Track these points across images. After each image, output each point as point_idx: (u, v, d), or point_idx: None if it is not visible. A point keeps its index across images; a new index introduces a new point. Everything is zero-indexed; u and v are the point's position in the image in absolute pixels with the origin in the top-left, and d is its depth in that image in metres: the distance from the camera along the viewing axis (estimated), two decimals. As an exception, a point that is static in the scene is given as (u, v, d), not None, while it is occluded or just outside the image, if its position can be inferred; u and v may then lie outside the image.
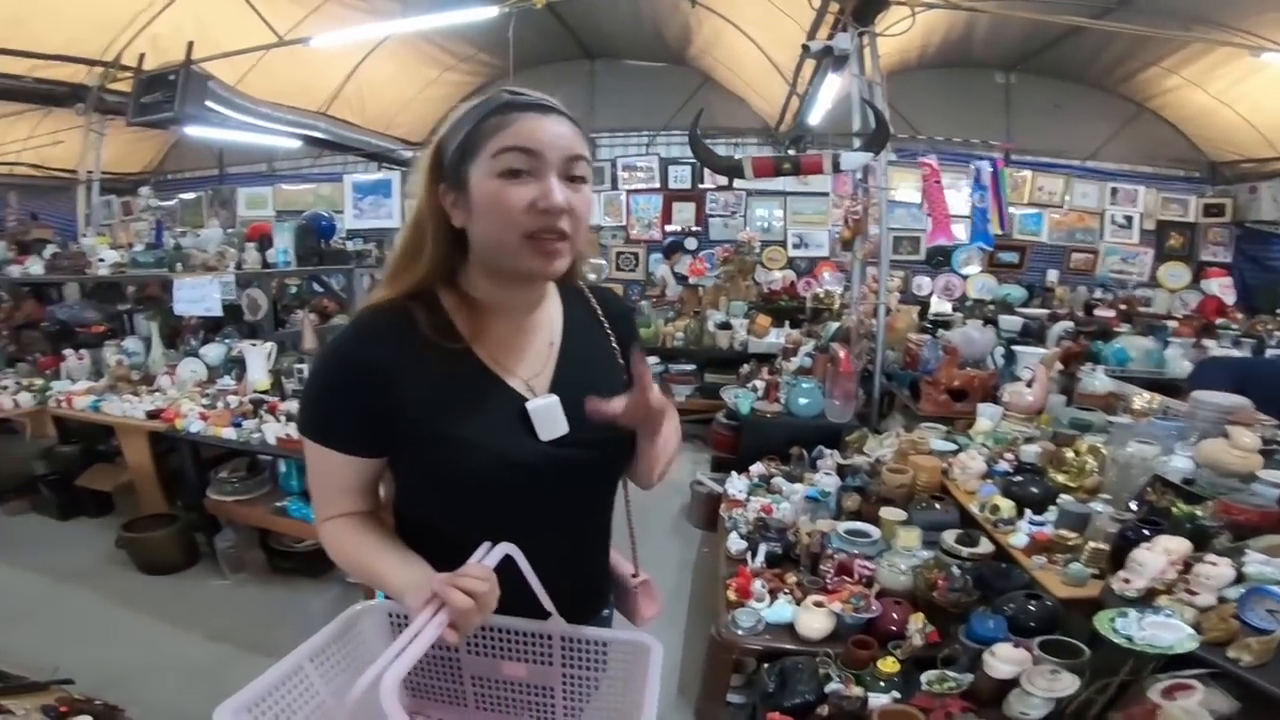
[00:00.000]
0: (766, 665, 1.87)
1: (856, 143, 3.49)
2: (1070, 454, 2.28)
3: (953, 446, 2.76)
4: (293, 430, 2.99)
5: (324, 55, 5.24)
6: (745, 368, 4.25)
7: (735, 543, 2.46)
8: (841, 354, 3.28)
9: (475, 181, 0.85)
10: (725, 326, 5.54)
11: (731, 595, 2.12)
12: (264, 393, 3.50)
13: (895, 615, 1.92)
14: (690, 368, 5.55)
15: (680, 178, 6.70)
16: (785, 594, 2.10)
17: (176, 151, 8.13)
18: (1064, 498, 2.10)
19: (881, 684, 1.70)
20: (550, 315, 1.01)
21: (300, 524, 3.03)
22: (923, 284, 6.19)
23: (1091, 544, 1.80)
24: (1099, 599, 1.62)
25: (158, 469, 3.58)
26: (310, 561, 3.18)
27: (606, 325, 1.06)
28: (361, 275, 3.96)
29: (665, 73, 6.56)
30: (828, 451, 3.12)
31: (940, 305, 5.61)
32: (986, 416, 2.92)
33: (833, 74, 3.80)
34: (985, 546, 2.05)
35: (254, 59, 4.97)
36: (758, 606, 2.05)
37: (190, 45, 4.23)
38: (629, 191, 6.79)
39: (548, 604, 0.89)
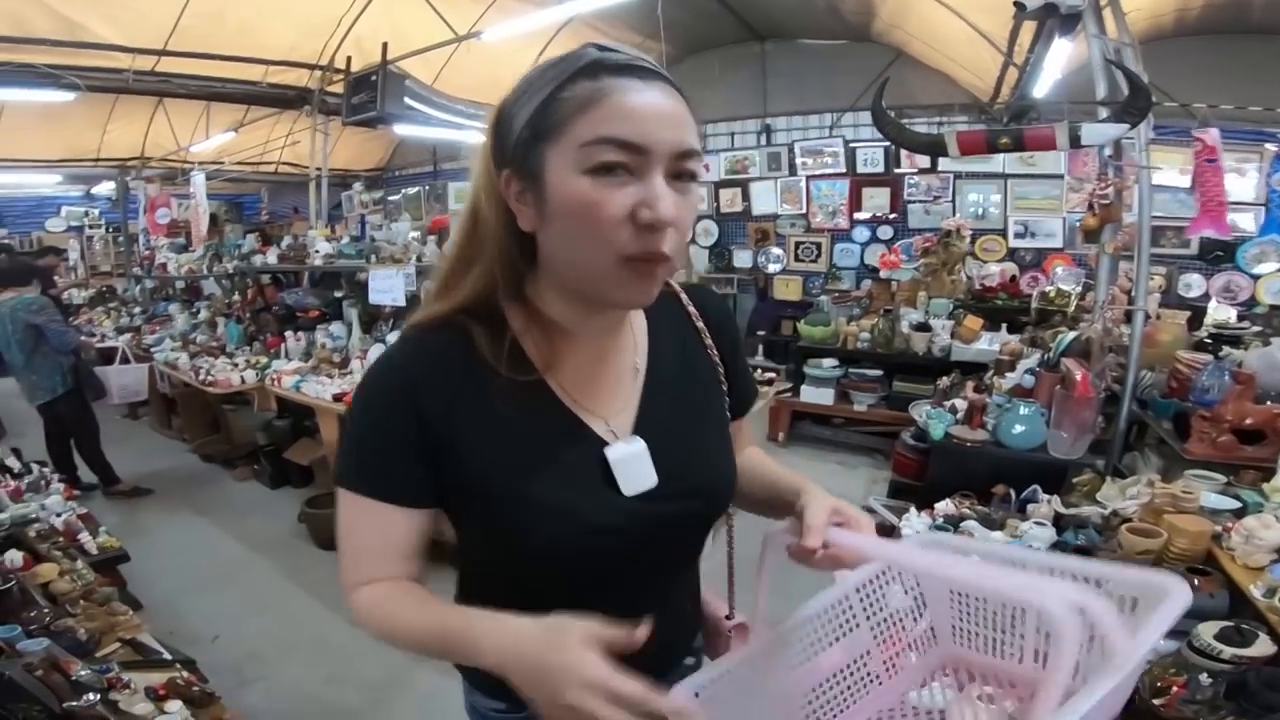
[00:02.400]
0: None
1: (1102, 113, 2.77)
2: None
3: (1234, 504, 2.09)
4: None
5: (508, 50, 5.41)
6: (945, 380, 3.59)
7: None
8: (1078, 374, 2.59)
9: (553, 175, 0.65)
10: (923, 328, 4.79)
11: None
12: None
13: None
14: (876, 373, 4.90)
15: (872, 161, 6.08)
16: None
17: (401, 149, 9.06)
18: None
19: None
20: (634, 334, 0.83)
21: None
22: (1192, 284, 4.94)
23: None
24: None
25: (344, 447, 3.85)
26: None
27: (706, 335, 0.88)
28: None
29: (847, 50, 6.03)
30: (1044, 495, 2.47)
31: (1220, 312, 4.39)
32: (1294, 469, 2.14)
33: (1061, 38, 3.12)
34: (1263, 647, 1.50)
35: (445, 57, 5.22)
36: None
37: (385, 46, 4.51)
38: (809, 177, 6.33)
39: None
